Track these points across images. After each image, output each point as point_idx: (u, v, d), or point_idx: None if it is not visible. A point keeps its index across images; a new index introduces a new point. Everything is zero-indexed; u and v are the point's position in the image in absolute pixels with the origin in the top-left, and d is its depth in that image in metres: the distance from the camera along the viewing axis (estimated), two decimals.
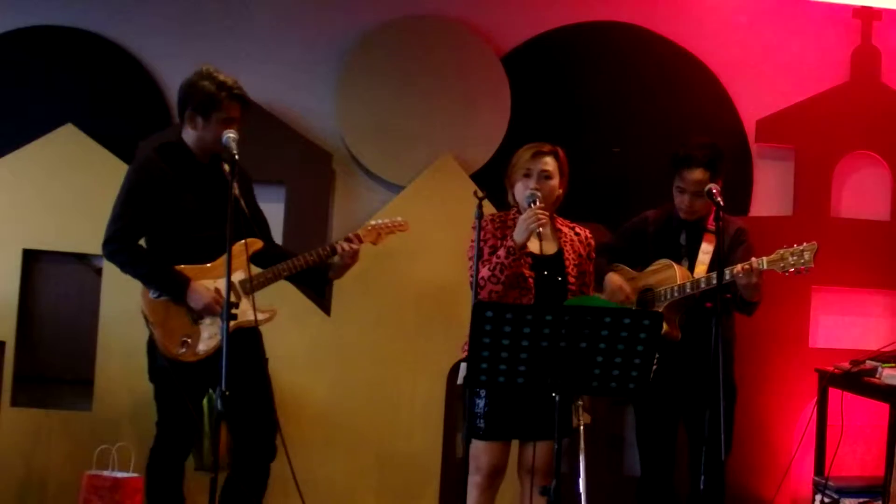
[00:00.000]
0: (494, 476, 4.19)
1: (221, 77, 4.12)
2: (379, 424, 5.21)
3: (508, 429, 4.17)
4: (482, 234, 4.18)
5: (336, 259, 4.33)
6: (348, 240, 4.35)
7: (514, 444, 4.26)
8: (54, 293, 5.15)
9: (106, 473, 4.74)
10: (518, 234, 4.07)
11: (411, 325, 5.24)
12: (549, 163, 4.22)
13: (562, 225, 4.33)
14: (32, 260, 5.10)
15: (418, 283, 5.23)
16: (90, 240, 5.03)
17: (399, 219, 4.54)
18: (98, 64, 5.20)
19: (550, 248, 4.23)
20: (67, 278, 5.16)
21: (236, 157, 3.81)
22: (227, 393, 3.55)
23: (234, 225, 3.75)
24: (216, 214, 3.99)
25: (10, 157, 5.04)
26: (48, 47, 5.18)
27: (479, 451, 4.16)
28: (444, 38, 5.34)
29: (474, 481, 4.16)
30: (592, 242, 4.37)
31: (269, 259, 4.30)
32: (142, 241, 4.23)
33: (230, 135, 3.91)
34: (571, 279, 4.22)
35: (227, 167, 3.90)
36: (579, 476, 3.69)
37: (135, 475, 4.76)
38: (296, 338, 4.83)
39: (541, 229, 4.02)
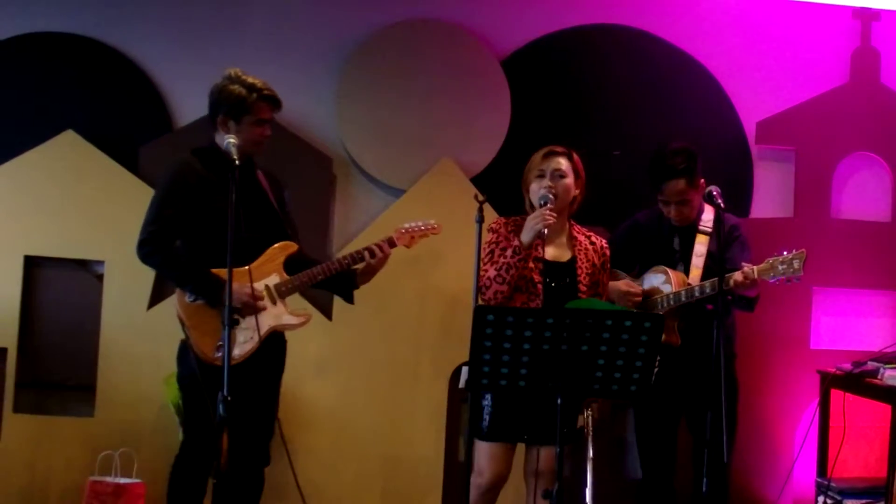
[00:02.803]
0: (497, 483, 4.18)
1: (250, 80, 4.13)
2: (381, 429, 5.21)
3: (512, 431, 4.16)
4: (497, 236, 4.22)
5: (364, 265, 4.33)
6: (381, 244, 4.35)
7: (520, 447, 4.25)
8: (56, 299, 5.15)
9: (109, 479, 4.76)
10: (524, 234, 4.09)
11: (413, 329, 5.24)
12: (562, 163, 4.21)
13: (578, 233, 4.32)
14: (34, 266, 5.10)
15: (419, 286, 5.23)
16: (91, 246, 5.07)
17: (432, 222, 4.53)
18: (98, 70, 5.21)
19: (564, 255, 4.24)
20: (69, 284, 5.16)
21: (237, 162, 3.81)
22: (228, 398, 3.55)
23: (235, 229, 3.73)
24: (252, 217, 4.05)
25: (11, 164, 5.05)
26: (48, 54, 5.18)
27: (483, 457, 4.16)
28: (443, 42, 5.34)
29: (476, 483, 4.17)
30: (608, 252, 4.35)
31: (297, 265, 4.30)
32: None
33: (230, 139, 3.93)
34: (583, 287, 4.20)
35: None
36: (586, 486, 3.69)
37: (137, 480, 4.77)
38: (297, 342, 4.80)
39: (545, 230, 4.03)
